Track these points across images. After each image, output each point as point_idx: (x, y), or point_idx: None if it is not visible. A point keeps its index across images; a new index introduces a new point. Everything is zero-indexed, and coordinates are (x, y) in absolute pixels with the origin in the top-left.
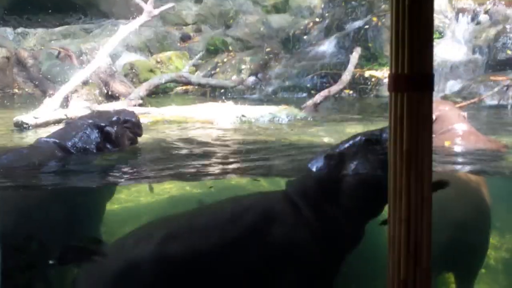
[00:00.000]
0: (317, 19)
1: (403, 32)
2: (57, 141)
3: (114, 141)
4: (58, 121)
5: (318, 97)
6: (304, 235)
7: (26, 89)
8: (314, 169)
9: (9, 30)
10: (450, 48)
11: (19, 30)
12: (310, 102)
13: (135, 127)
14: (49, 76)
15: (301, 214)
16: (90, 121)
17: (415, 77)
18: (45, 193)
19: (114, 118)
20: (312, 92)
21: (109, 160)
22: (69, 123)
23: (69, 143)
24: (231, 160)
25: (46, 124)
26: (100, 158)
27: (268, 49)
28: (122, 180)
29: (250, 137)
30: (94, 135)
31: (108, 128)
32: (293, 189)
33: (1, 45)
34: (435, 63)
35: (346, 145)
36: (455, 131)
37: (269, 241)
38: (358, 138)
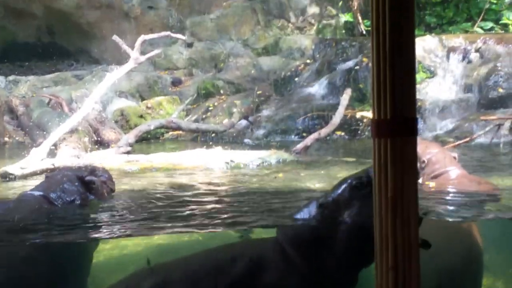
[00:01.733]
0: (308, 61)
1: (384, 76)
2: (42, 194)
3: (95, 192)
4: (45, 171)
5: (308, 140)
6: (295, 284)
7: (17, 138)
8: (305, 217)
9: (0, 78)
10: (441, 87)
11: (11, 77)
12: (300, 145)
13: (110, 182)
14: (40, 124)
15: (292, 262)
16: (70, 173)
17: (398, 122)
18: (31, 248)
19: (91, 171)
20: (304, 134)
21: (94, 212)
22: (49, 177)
23: (54, 196)
24: (217, 210)
25: (33, 175)
26: (85, 210)
27: (259, 92)
28: (108, 233)
29: (237, 184)
30: (77, 186)
31: (89, 178)
32: (284, 237)
33: None
34: (427, 103)
35: (337, 191)
36: (446, 174)
37: None
38: (347, 182)
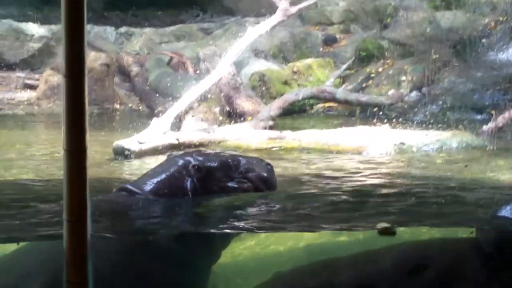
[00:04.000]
0: (500, 18)
1: None
2: (139, 191)
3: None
4: (168, 147)
5: (500, 120)
6: None
7: (130, 105)
8: (508, 217)
9: (109, 29)
10: None
11: (122, 29)
12: (489, 126)
13: (259, 182)
14: (158, 88)
15: (493, 266)
16: (181, 161)
17: None
18: (142, 242)
19: (227, 163)
20: (493, 112)
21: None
22: (156, 168)
23: (156, 191)
24: (386, 205)
25: (153, 151)
26: (203, 203)
27: (435, 56)
28: (243, 228)
29: (413, 172)
30: (189, 178)
31: (202, 170)
32: (485, 239)
33: (99, 49)
34: None
35: None
36: None
37: None
38: None
